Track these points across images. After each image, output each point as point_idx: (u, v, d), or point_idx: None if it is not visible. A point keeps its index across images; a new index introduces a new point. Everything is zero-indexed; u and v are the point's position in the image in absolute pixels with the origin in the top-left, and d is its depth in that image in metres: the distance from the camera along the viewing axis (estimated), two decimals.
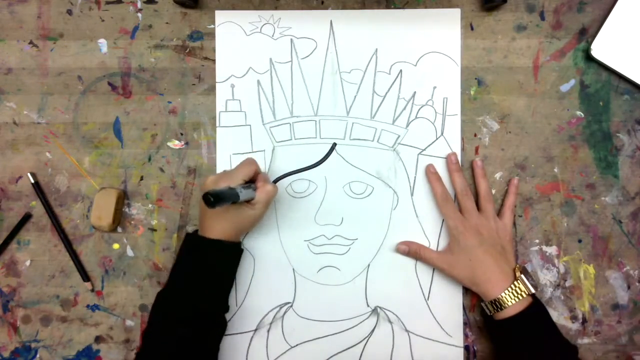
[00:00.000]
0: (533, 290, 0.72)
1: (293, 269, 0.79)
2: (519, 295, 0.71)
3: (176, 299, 0.70)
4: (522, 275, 0.73)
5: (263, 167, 0.80)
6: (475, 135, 0.80)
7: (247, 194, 0.69)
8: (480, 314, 0.79)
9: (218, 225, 0.71)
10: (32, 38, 0.81)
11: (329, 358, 0.78)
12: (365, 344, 0.78)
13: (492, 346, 0.79)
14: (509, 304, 0.71)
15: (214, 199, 0.63)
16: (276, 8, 0.80)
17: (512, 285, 0.72)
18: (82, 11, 0.81)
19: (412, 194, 0.79)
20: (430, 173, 0.78)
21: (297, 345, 0.78)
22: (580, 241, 0.79)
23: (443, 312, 0.79)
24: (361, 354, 0.78)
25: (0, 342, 0.80)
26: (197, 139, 0.80)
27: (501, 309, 0.71)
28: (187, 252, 0.72)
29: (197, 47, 0.81)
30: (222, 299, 0.72)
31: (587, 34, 0.80)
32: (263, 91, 0.80)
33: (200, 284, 0.70)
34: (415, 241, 0.79)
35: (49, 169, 0.81)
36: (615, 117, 0.79)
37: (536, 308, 0.72)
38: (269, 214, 0.79)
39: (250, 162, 0.73)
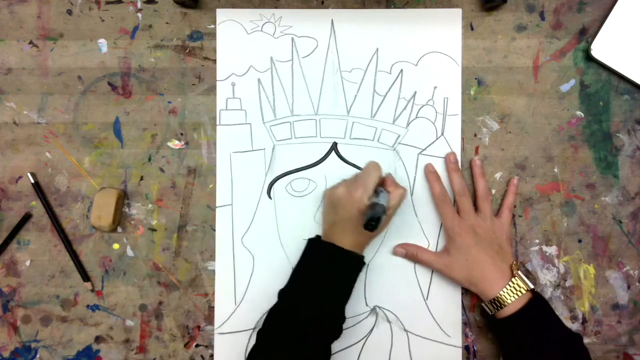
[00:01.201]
0: (532, 286, 0.72)
1: (292, 268, 0.79)
2: (518, 292, 0.71)
3: (299, 301, 0.70)
4: (520, 272, 0.73)
5: (263, 166, 0.80)
6: (475, 135, 0.80)
7: (385, 204, 0.69)
8: (481, 314, 0.79)
9: (346, 236, 0.71)
10: (32, 38, 0.81)
11: None
12: (364, 344, 0.78)
13: (492, 346, 0.79)
14: (509, 301, 0.71)
15: (376, 223, 0.64)
16: (275, 8, 0.80)
17: (511, 282, 0.72)
18: (82, 11, 0.81)
19: (411, 194, 0.79)
20: (429, 172, 0.78)
21: None
22: (580, 241, 0.79)
23: (442, 312, 0.79)
24: (360, 353, 0.78)
25: (0, 342, 0.80)
26: (197, 139, 0.80)
27: (501, 308, 0.71)
28: (313, 257, 0.73)
29: (197, 47, 0.81)
30: (342, 307, 0.72)
31: (587, 34, 0.80)
32: (264, 90, 0.80)
33: (325, 290, 0.70)
34: (412, 243, 0.79)
35: (49, 169, 0.81)
36: (615, 117, 0.79)
37: (537, 303, 0.72)
38: (269, 212, 0.79)
39: (377, 166, 0.73)
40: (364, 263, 0.74)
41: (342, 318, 0.72)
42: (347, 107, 0.80)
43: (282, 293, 0.72)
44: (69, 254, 0.80)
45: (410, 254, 0.78)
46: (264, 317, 0.76)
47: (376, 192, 0.71)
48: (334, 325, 0.71)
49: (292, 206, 0.79)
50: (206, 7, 0.81)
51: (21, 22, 0.81)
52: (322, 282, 0.71)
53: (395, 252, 0.79)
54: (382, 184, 0.75)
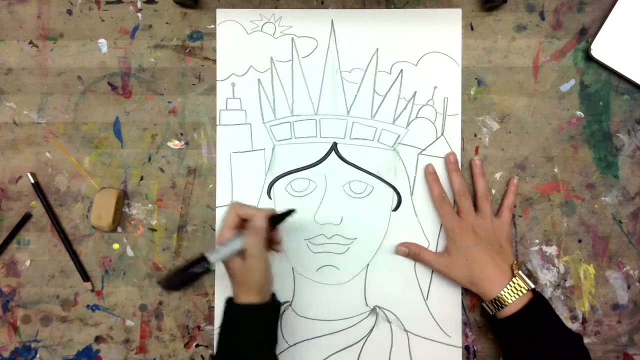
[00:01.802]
0: (532, 286, 0.72)
1: (292, 268, 0.79)
2: (519, 292, 0.71)
3: None
4: (521, 272, 0.73)
5: (263, 166, 0.80)
6: (475, 135, 0.80)
7: (226, 252, 0.65)
8: (481, 314, 0.79)
9: (238, 288, 0.68)
10: (32, 38, 0.81)
11: (327, 357, 0.78)
12: (364, 344, 0.78)
13: (492, 346, 0.79)
14: (510, 301, 0.71)
15: (164, 285, 0.63)
16: (275, 8, 0.80)
17: (511, 282, 0.72)
18: (82, 11, 0.81)
19: (411, 194, 0.79)
20: (429, 173, 0.78)
21: (295, 344, 0.78)
22: (580, 241, 0.79)
23: (442, 312, 0.79)
24: (360, 354, 0.78)
25: (0, 342, 0.80)
26: (197, 139, 0.80)
27: (502, 308, 0.71)
28: (226, 319, 0.69)
29: (197, 47, 0.81)
30: (268, 355, 0.69)
31: (587, 34, 0.80)
32: (264, 90, 0.80)
33: (243, 348, 0.67)
34: (414, 242, 0.79)
35: (49, 169, 0.81)
36: (615, 117, 0.79)
37: (537, 303, 0.72)
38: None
39: (230, 208, 0.69)
40: (271, 307, 0.69)
41: None
42: (347, 107, 0.80)
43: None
44: (69, 254, 0.80)
45: (413, 253, 0.78)
46: None
47: (230, 241, 0.67)
48: None
49: (292, 206, 0.79)
50: (206, 7, 0.81)
51: (21, 22, 0.81)
52: (243, 342, 0.67)
53: (397, 251, 0.79)
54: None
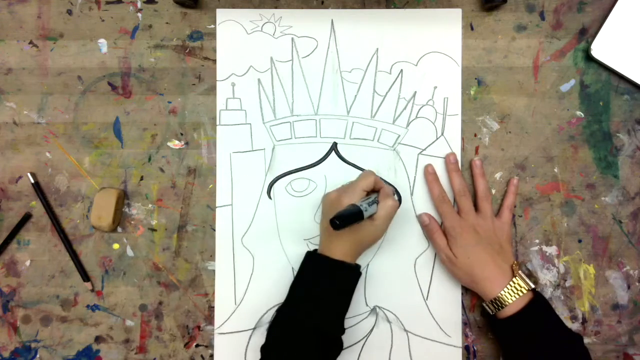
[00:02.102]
0: (532, 286, 0.72)
1: (292, 268, 0.79)
2: (519, 292, 0.71)
3: (296, 317, 0.70)
4: (521, 272, 0.73)
5: (263, 166, 0.80)
6: (475, 135, 0.80)
7: (370, 210, 0.69)
8: (481, 314, 0.79)
9: (339, 245, 0.71)
10: (32, 38, 0.81)
11: None
12: (364, 344, 0.78)
13: (492, 346, 0.79)
14: (510, 301, 0.71)
15: (340, 222, 0.64)
16: (275, 8, 0.80)
17: (511, 282, 0.72)
18: (82, 11, 0.81)
19: (411, 194, 0.79)
20: (428, 174, 0.78)
21: None
22: (580, 241, 0.79)
23: (442, 312, 0.79)
24: (360, 354, 0.78)
25: (0, 342, 0.80)
26: (197, 139, 0.80)
27: (502, 308, 0.71)
28: (308, 271, 0.72)
29: (197, 47, 0.81)
30: (339, 320, 0.71)
31: (587, 34, 0.80)
32: (264, 90, 0.80)
33: (319, 304, 0.70)
34: (436, 220, 0.78)
35: (49, 169, 0.81)
36: (615, 117, 0.79)
37: (538, 303, 0.72)
38: (269, 212, 0.79)
39: (368, 174, 0.74)
40: (359, 273, 0.73)
41: (342, 331, 0.71)
42: (347, 107, 0.80)
43: (281, 309, 0.72)
44: (69, 254, 0.80)
45: (430, 229, 0.78)
46: (263, 317, 0.78)
47: (370, 201, 0.71)
48: (335, 338, 0.71)
49: (292, 206, 0.79)
50: (206, 7, 0.81)
51: (21, 22, 0.81)
52: (319, 297, 0.70)
53: (419, 217, 0.79)
54: (378, 193, 0.74)
